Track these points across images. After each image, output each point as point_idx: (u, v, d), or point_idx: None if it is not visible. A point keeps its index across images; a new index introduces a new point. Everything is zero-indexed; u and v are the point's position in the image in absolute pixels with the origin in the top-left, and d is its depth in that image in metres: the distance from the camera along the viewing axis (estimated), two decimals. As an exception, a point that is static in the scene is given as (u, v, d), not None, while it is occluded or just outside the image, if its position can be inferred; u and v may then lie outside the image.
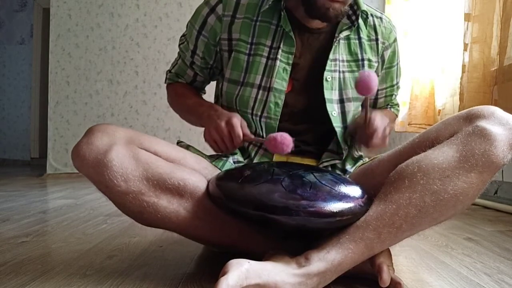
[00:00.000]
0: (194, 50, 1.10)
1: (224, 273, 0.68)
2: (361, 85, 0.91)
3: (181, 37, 1.16)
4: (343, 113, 1.03)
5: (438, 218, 0.77)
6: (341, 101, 1.03)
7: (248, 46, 1.02)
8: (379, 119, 0.95)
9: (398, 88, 1.20)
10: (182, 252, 1.07)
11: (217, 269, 0.70)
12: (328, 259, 0.73)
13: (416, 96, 2.39)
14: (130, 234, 1.27)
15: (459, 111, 1.89)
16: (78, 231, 1.33)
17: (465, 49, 1.88)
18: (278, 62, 1.00)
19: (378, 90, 1.15)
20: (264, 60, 1.01)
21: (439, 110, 2.30)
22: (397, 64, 1.14)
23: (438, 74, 2.33)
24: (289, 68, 1.00)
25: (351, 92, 1.03)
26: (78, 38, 3.59)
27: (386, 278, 0.76)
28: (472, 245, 1.13)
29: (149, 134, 3.32)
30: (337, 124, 1.01)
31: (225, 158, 1.01)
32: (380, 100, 1.18)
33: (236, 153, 1.04)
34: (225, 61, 1.06)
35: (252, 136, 0.96)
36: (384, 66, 1.11)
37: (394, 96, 1.20)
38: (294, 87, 1.02)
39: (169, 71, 1.21)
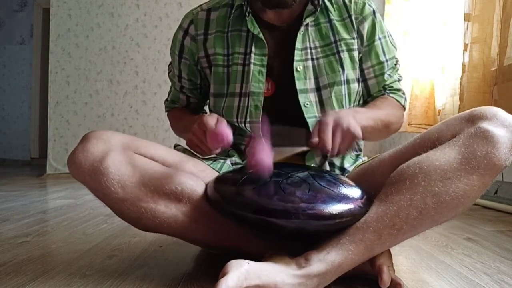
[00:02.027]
0: (180, 75, 1.13)
1: (224, 274, 0.67)
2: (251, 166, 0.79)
3: (168, 66, 1.20)
4: (321, 102, 1.00)
5: (439, 219, 0.77)
6: (318, 89, 1.01)
7: (225, 58, 1.04)
8: (326, 136, 0.82)
9: (392, 68, 1.08)
10: (182, 252, 1.07)
11: (217, 270, 0.70)
12: (328, 260, 0.73)
13: (416, 96, 2.38)
14: (130, 234, 1.27)
15: (459, 111, 1.90)
16: (78, 231, 1.33)
17: (465, 49, 1.88)
18: (252, 67, 1.00)
19: (364, 70, 1.05)
20: (240, 67, 1.02)
21: (439, 110, 2.30)
22: (380, 39, 1.05)
23: (438, 74, 2.33)
24: (264, 70, 1.00)
25: (327, 78, 1.00)
26: (78, 38, 3.59)
27: (386, 279, 0.76)
28: (472, 245, 1.13)
29: (149, 134, 3.35)
30: (310, 115, 0.98)
31: (222, 160, 1.01)
32: (371, 81, 1.06)
33: (233, 155, 1.04)
34: (208, 78, 1.08)
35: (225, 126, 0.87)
36: (365, 43, 1.04)
37: (387, 76, 1.07)
38: (276, 88, 1.02)
39: (166, 99, 1.25)
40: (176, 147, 1.05)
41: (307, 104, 0.99)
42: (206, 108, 1.24)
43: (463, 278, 0.86)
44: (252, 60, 1.00)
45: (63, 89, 3.59)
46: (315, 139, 0.83)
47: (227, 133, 0.84)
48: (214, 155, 1.08)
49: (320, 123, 0.85)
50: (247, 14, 1.01)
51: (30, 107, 5.04)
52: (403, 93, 1.11)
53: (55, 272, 0.90)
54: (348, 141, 0.84)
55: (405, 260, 1.00)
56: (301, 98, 0.99)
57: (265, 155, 0.78)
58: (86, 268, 0.92)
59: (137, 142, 0.88)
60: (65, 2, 3.57)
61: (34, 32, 5.04)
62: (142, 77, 3.56)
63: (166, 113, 1.27)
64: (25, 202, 1.99)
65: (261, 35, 1.00)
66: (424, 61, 2.42)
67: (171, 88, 1.22)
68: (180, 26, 1.09)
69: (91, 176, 0.80)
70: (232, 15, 1.03)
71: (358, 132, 0.84)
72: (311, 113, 0.99)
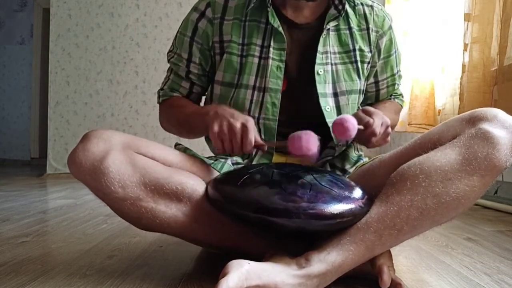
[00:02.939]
0: (189, 58, 1.07)
1: (224, 274, 0.67)
2: (337, 130, 0.86)
3: (168, 53, 1.13)
4: (338, 107, 1.01)
5: (440, 220, 0.77)
6: (335, 95, 1.01)
7: (240, 47, 1.01)
8: (377, 120, 0.89)
9: (400, 77, 1.17)
10: (182, 252, 1.07)
11: (217, 269, 0.70)
12: (328, 260, 0.73)
13: (416, 96, 2.39)
14: (130, 234, 1.27)
15: (459, 111, 1.90)
16: (78, 231, 1.33)
17: (465, 49, 1.88)
18: (270, 61, 0.99)
19: (379, 81, 1.13)
20: (256, 60, 1.00)
21: (439, 110, 2.30)
22: (395, 52, 1.11)
23: (438, 74, 2.33)
24: (282, 66, 0.99)
25: (345, 85, 1.01)
26: (78, 38, 3.59)
27: (386, 279, 0.76)
28: (472, 245, 1.13)
29: (149, 134, 3.32)
30: (331, 120, 0.98)
31: (223, 160, 1.00)
32: (383, 91, 1.15)
33: (235, 155, 1.03)
34: (217, 64, 1.05)
35: (262, 142, 0.89)
36: (382, 56, 1.09)
37: (396, 85, 1.17)
38: (288, 86, 1.01)
39: (161, 89, 1.14)
40: (176, 146, 1.05)
41: (328, 108, 0.99)
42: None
43: (463, 278, 0.86)
44: (270, 54, 0.99)
45: (63, 89, 3.59)
46: (371, 120, 0.88)
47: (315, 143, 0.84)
48: (224, 156, 1.08)
49: (371, 112, 0.91)
50: (268, 5, 0.99)
51: (30, 107, 5.04)
52: (403, 96, 1.24)
53: (55, 272, 0.90)
54: (384, 138, 0.92)
55: (405, 260, 1.00)
56: (322, 102, 0.99)
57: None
58: (86, 268, 0.92)
59: (137, 142, 0.87)
60: (65, 2, 3.57)
61: (34, 32, 5.04)
62: (142, 77, 3.56)
63: (159, 103, 1.15)
64: (25, 202, 1.99)
65: (280, 28, 0.99)
66: (424, 61, 2.42)
67: (168, 77, 1.14)
68: (195, 8, 1.05)
69: (91, 176, 0.80)
70: (252, 5, 1.01)
71: (389, 137, 0.93)
72: (331, 118, 0.98)
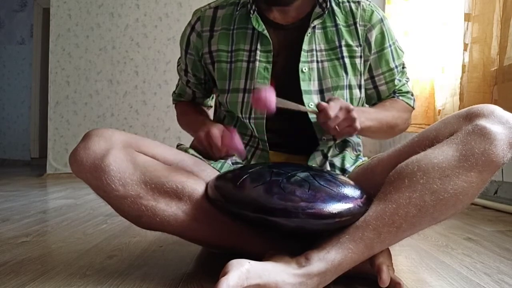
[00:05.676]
0: (186, 69, 1.16)
1: (225, 273, 0.68)
2: (254, 102, 0.86)
3: (178, 60, 1.22)
4: None
5: (438, 217, 0.77)
6: (321, 92, 1.02)
7: (228, 54, 1.05)
8: (332, 104, 0.89)
9: (401, 72, 1.12)
10: (182, 252, 1.07)
11: (217, 269, 0.70)
12: (328, 259, 0.73)
13: (416, 96, 2.36)
14: (130, 234, 1.27)
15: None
16: (78, 231, 1.33)
17: (465, 49, 1.88)
18: (257, 63, 1.01)
19: (375, 77, 1.08)
20: (245, 64, 1.03)
21: (439, 110, 2.30)
22: (390, 46, 1.07)
23: (438, 74, 2.33)
24: (269, 67, 1.01)
25: (330, 81, 1.01)
26: (78, 38, 3.59)
27: (385, 278, 0.76)
28: (472, 245, 1.13)
29: (149, 134, 3.35)
30: (313, 115, 0.99)
31: (223, 160, 1.01)
32: (382, 88, 1.10)
33: (234, 155, 1.04)
34: (213, 74, 1.10)
35: (238, 145, 0.93)
36: (374, 50, 1.06)
37: (397, 81, 1.10)
38: (276, 85, 1.02)
39: (174, 92, 1.27)
40: (178, 146, 1.05)
41: (311, 105, 1.00)
42: (212, 102, 1.29)
43: (463, 278, 0.86)
44: (257, 57, 1.01)
45: (63, 89, 3.59)
46: (323, 104, 0.88)
47: (238, 147, 0.93)
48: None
49: (331, 99, 0.92)
50: (252, 12, 1.02)
51: (30, 107, 5.04)
52: (412, 94, 1.15)
53: (55, 272, 0.90)
54: (348, 124, 0.90)
55: (405, 260, 1.00)
56: (305, 99, 1.00)
57: (270, 94, 0.85)
58: (86, 268, 0.92)
59: (138, 140, 0.88)
60: (65, 2, 3.58)
61: (34, 32, 5.04)
62: (142, 77, 3.56)
63: (174, 105, 1.30)
64: (25, 202, 1.99)
65: (265, 32, 1.01)
66: (424, 61, 2.42)
67: (179, 81, 1.24)
68: (189, 23, 1.12)
69: (92, 174, 0.80)
70: (237, 13, 1.05)
71: (358, 124, 0.90)
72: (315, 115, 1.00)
